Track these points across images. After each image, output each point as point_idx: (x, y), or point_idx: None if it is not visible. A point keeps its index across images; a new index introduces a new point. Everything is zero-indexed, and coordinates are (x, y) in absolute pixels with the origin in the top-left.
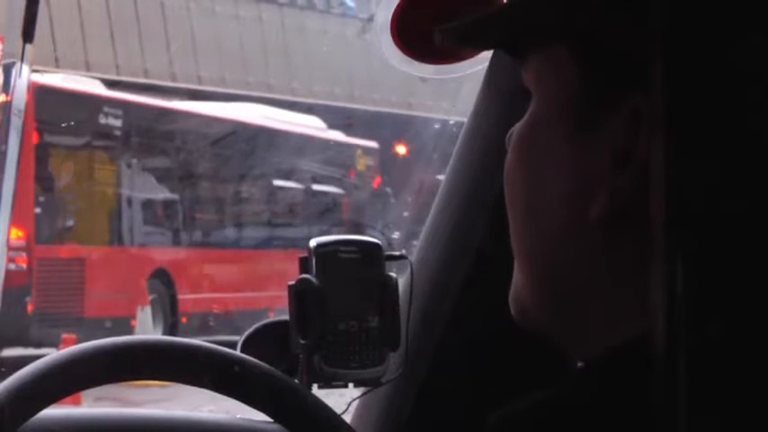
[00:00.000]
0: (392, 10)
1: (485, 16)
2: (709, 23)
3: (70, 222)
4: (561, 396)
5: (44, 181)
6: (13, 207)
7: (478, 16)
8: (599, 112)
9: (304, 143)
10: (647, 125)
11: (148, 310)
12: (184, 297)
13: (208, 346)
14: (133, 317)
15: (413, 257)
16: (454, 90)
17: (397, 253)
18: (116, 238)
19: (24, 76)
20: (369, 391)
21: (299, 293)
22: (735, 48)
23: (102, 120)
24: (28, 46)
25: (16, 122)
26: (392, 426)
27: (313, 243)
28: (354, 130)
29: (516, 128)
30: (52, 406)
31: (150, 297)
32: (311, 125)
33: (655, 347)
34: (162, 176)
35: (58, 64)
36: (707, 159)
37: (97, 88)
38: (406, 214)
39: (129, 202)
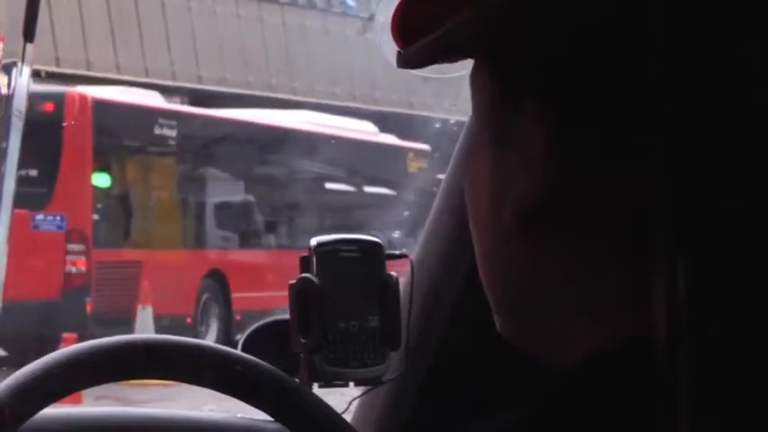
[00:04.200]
0: (392, 9)
1: (432, 36)
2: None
3: (127, 227)
4: (539, 410)
5: (101, 189)
6: (13, 209)
7: (429, 40)
8: (512, 118)
9: (356, 147)
10: (552, 125)
11: (149, 309)
12: (238, 296)
13: (209, 345)
14: (188, 315)
15: (413, 256)
16: (455, 89)
17: (397, 252)
18: (171, 241)
19: (25, 76)
20: (369, 390)
21: (299, 292)
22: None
23: (158, 130)
24: (29, 45)
25: (16, 123)
26: (393, 425)
27: (313, 242)
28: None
29: None
30: (53, 405)
31: (204, 296)
32: (363, 129)
33: (654, 349)
34: (214, 182)
35: (59, 64)
36: (706, 159)
37: (154, 100)
38: (406, 214)
39: (184, 207)
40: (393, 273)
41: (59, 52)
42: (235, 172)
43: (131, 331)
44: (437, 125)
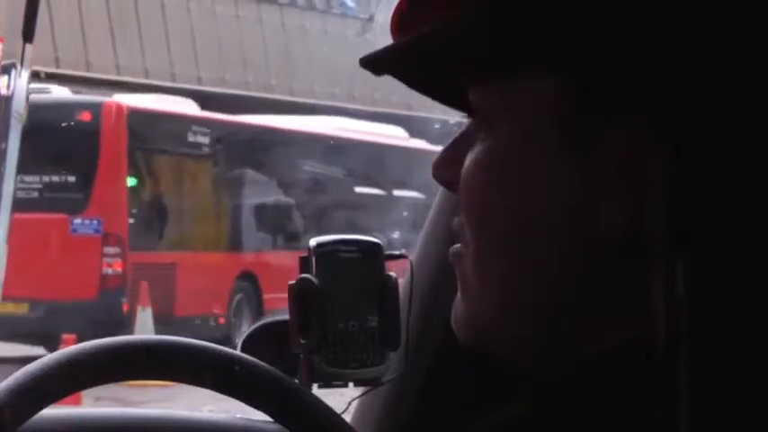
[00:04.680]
0: (392, 10)
1: (425, 38)
2: (713, 30)
3: (161, 230)
4: (538, 409)
5: (136, 194)
6: (12, 210)
7: (419, 37)
8: (597, 130)
9: (387, 152)
10: (650, 138)
11: (149, 310)
12: (269, 297)
13: (208, 345)
14: (221, 315)
15: (413, 257)
16: None
17: (397, 252)
18: (204, 243)
19: (24, 79)
20: (369, 390)
21: (299, 293)
22: (739, 54)
23: (191, 137)
24: (28, 46)
25: (15, 125)
26: (392, 425)
27: (313, 242)
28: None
29: (481, 151)
30: (52, 406)
31: (237, 297)
32: (394, 135)
33: (654, 351)
34: (245, 187)
35: (58, 64)
36: (708, 162)
37: (189, 107)
38: (405, 214)
39: (217, 210)
40: (392, 273)
41: (59, 53)
42: (265, 177)
43: (166, 330)
44: (436, 126)
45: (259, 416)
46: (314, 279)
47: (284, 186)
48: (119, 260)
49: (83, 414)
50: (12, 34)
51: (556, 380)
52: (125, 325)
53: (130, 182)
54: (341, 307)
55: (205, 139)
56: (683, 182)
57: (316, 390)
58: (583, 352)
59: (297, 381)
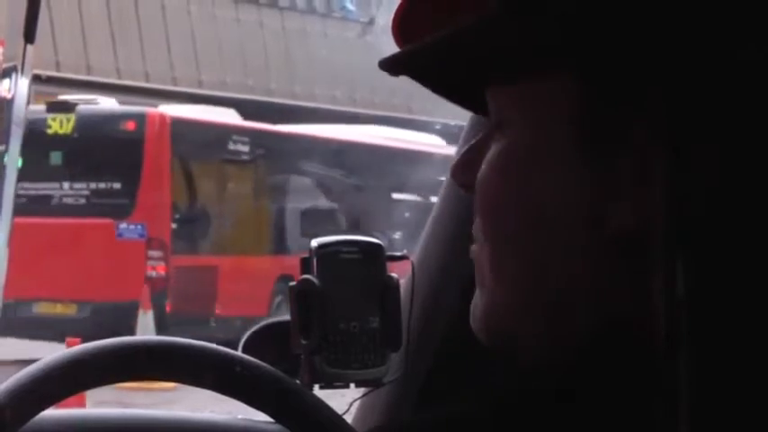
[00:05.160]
0: (393, 12)
1: (438, 42)
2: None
3: (202, 235)
4: (546, 403)
5: (178, 200)
6: (13, 213)
7: (432, 41)
8: (612, 130)
9: (425, 159)
10: (661, 140)
11: (150, 314)
12: None
13: (209, 346)
14: (261, 318)
15: (414, 258)
16: None
17: (398, 253)
18: (244, 247)
19: (24, 84)
20: (370, 391)
21: (300, 294)
22: (739, 55)
23: (231, 145)
24: (29, 49)
25: (16, 129)
26: (394, 426)
27: (314, 243)
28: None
29: (498, 153)
30: (54, 407)
31: (277, 299)
32: (432, 143)
33: (656, 350)
34: (283, 193)
35: (59, 68)
36: (708, 162)
37: (230, 117)
38: (407, 215)
39: (257, 215)
40: (394, 274)
41: (59, 56)
42: (303, 183)
43: (207, 330)
44: (437, 127)
45: (260, 417)
46: (315, 280)
47: (325, 192)
48: (162, 263)
49: (84, 415)
50: (13, 37)
51: (559, 378)
52: (167, 325)
53: (173, 188)
54: (342, 308)
55: (245, 147)
56: (683, 182)
57: (317, 391)
58: (588, 352)
59: (298, 381)
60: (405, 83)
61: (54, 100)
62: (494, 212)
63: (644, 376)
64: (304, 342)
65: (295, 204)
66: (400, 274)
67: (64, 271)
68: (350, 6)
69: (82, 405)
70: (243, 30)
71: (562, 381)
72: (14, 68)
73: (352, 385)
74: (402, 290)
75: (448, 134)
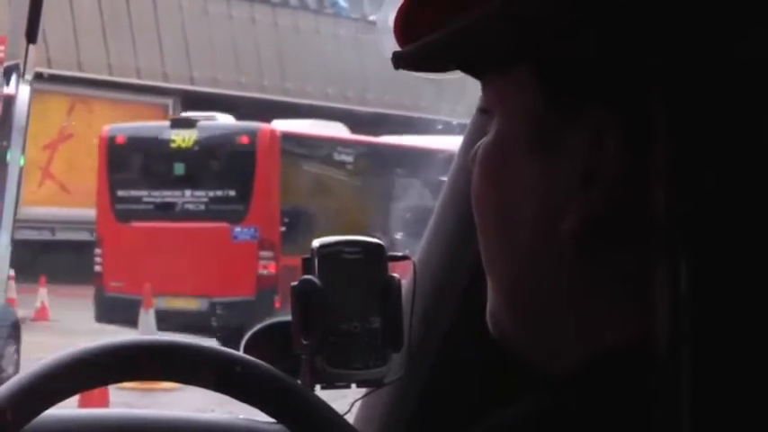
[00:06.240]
0: (395, 10)
1: (437, 40)
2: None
3: (309, 237)
4: (544, 407)
5: (287, 206)
6: (15, 215)
7: (430, 40)
8: (563, 129)
9: None
10: (613, 139)
11: (152, 312)
12: None
13: (210, 347)
14: None
15: (416, 258)
16: (458, 90)
17: (399, 254)
18: None
19: (26, 86)
20: (372, 391)
21: (301, 294)
22: (733, 48)
23: (336, 156)
24: (31, 47)
25: (17, 139)
26: (395, 426)
27: (316, 243)
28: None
29: (481, 145)
30: (55, 406)
31: None
32: None
33: (656, 350)
34: (382, 199)
35: (50, 65)
36: (707, 161)
37: (338, 131)
38: (408, 216)
39: (359, 219)
40: (395, 274)
41: (51, 53)
42: (398, 190)
43: None
44: (439, 126)
45: (261, 417)
46: (316, 280)
47: (417, 199)
48: (272, 263)
49: (86, 415)
50: (15, 35)
51: (557, 380)
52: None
53: (282, 195)
54: (343, 308)
55: (349, 158)
56: (684, 181)
57: (318, 391)
58: (583, 352)
59: (299, 382)
60: (397, 80)
61: (177, 117)
62: (476, 209)
63: (642, 378)
64: (305, 342)
65: (396, 207)
66: (402, 274)
67: (187, 269)
68: (341, 3)
69: (105, 404)
70: (235, 26)
71: (558, 383)
72: (16, 67)
73: (353, 385)
74: (404, 290)
75: (448, 134)
